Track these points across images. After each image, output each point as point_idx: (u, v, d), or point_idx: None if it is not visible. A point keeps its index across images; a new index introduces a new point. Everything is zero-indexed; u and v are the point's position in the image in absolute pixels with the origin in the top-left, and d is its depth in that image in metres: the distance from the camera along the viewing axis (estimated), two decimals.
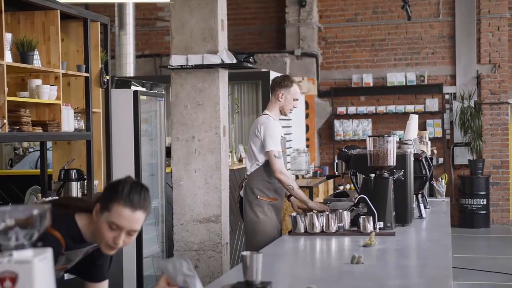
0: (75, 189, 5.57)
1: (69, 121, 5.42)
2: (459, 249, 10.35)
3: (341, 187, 12.46)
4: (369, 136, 4.56)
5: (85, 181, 5.72)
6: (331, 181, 11.42)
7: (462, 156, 12.91)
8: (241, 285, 2.80)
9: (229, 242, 6.13)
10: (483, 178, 12.62)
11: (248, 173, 5.42)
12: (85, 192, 5.74)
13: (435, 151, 10.72)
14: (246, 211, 5.38)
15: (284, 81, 5.42)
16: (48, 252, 1.82)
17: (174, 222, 5.92)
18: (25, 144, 8.46)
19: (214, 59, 5.96)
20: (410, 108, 12.93)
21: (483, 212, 12.59)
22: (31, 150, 8.76)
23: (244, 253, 2.78)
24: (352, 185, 12.18)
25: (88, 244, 2.80)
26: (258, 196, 5.32)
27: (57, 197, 5.00)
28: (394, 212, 4.48)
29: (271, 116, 5.38)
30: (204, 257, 5.94)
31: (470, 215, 12.57)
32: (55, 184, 5.64)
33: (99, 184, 6.01)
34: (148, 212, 2.70)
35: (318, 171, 11.07)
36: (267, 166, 5.28)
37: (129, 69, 10.99)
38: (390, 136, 4.52)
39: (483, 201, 12.55)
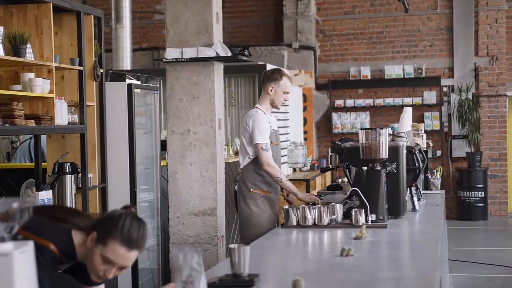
0: (69, 183, 5.56)
1: (62, 115, 5.42)
2: (457, 241, 10.36)
3: (339, 180, 12.48)
4: (362, 129, 4.56)
5: (79, 174, 5.72)
6: (328, 174, 11.43)
7: (460, 149, 12.91)
8: (229, 277, 2.81)
9: (225, 235, 6.13)
10: (481, 170, 12.62)
11: (241, 167, 5.46)
12: (79, 185, 5.74)
13: (431, 144, 10.71)
14: (240, 204, 5.43)
15: (274, 75, 5.45)
16: (29, 245, 1.83)
17: (170, 215, 5.92)
18: (22, 138, 8.45)
19: (209, 52, 5.95)
20: (408, 100, 12.92)
21: (481, 204, 12.60)
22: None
23: (232, 246, 2.79)
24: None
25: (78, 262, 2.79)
26: (251, 189, 5.36)
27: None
28: (386, 205, 4.48)
29: (261, 109, 5.41)
30: (199, 250, 5.95)
31: (468, 208, 12.58)
32: (50, 178, 5.64)
33: (93, 178, 6.01)
34: (143, 250, 2.71)
35: (316, 164, 11.07)
36: (258, 159, 5.30)
37: (126, 63, 10.98)
38: (382, 129, 4.52)
39: (481, 194, 12.56)
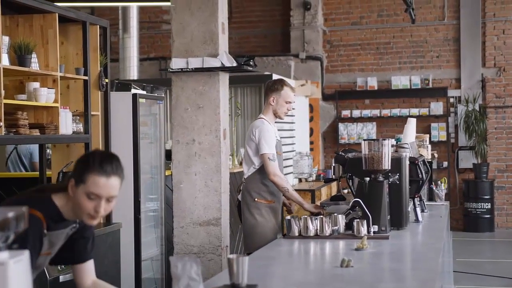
0: None
1: (67, 124, 5.45)
2: (463, 253, 10.33)
3: (345, 191, 12.46)
4: (364, 140, 4.56)
5: None
6: (334, 185, 11.41)
7: (467, 160, 12.88)
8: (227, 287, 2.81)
9: (229, 245, 6.13)
10: (488, 182, 12.59)
11: (245, 177, 5.49)
12: None
13: (436, 155, 10.68)
14: (244, 214, 5.45)
15: (275, 85, 5.50)
16: (24, 255, 1.84)
17: (174, 225, 5.93)
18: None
19: (214, 62, 5.97)
20: (414, 111, 12.91)
21: (488, 216, 12.55)
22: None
23: (230, 256, 2.79)
24: None
25: (68, 223, 2.87)
26: (256, 199, 5.39)
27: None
28: (389, 216, 4.47)
29: (266, 119, 5.45)
30: (204, 260, 5.94)
31: (475, 219, 12.54)
32: None
33: None
34: (123, 178, 2.80)
35: (322, 175, 11.07)
36: (264, 169, 5.33)
37: (133, 72, 11.03)
38: (385, 139, 4.52)
39: (487, 205, 12.52)
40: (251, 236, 5.40)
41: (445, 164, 12.86)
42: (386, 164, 4.49)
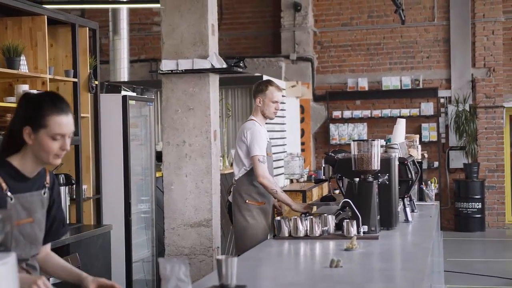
0: (63, 194, 5.57)
1: None
2: (454, 252, 10.36)
3: (337, 191, 12.47)
4: (354, 140, 4.58)
5: (74, 185, 5.73)
6: (325, 185, 11.42)
7: (457, 160, 12.92)
8: None
9: (220, 246, 6.13)
10: (478, 181, 12.63)
11: (235, 178, 5.53)
12: (74, 197, 5.75)
13: (426, 155, 10.71)
14: (235, 216, 5.47)
15: (260, 86, 5.58)
16: (11, 257, 1.84)
17: (165, 226, 5.93)
18: None
19: (204, 64, 5.98)
20: (405, 112, 12.94)
21: (478, 215, 12.59)
22: None
23: (219, 257, 2.80)
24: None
25: (34, 184, 2.83)
26: (247, 201, 5.44)
27: None
28: (378, 216, 4.49)
29: (257, 121, 5.48)
30: (195, 261, 5.95)
31: (465, 219, 12.58)
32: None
33: (87, 189, 6.03)
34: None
35: (313, 175, 11.07)
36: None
37: (123, 74, 11.02)
38: (374, 140, 4.53)
39: (478, 205, 12.56)
40: (242, 238, 5.43)
41: (436, 164, 12.89)
42: (376, 165, 4.50)
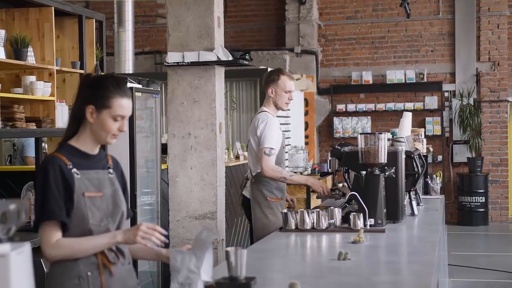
0: None
1: (63, 118, 5.44)
2: (457, 246, 10.37)
3: (340, 185, 12.47)
4: (361, 133, 4.57)
5: None
6: (330, 178, 11.43)
7: (461, 154, 12.92)
8: (225, 280, 2.82)
9: (225, 238, 6.14)
10: (482, 175, 12.63)
11: (253, 174, 5.37)
12: None
13: (431, 149, 10.73)
14: (255, 213, 5.34)
15: (271, 76, 5.41)
16: (26, 246, 1.85)
17: (170, 218, 5.94)
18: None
19: (210, 56, 5.97)
20: (409, 105, 12.94)
21: (482, 209, 12.60)
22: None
23: (228, 249, 2.80)
24: None
25: (96, 161, 2.98)
26: (268, 198, 5.30)
27: None
28: (385, 209, 4.49)
29: (269, 112, 5.37)
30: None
31: (469, 213, 12.58)
32: None
33: None
34: None
35: (317, 168, 11.06)
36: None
37: (128, 66, 11.00)
38: (381, 133, 4.53)
39: (481, 199, 12.56)
40: (263, 235, 5.25)
41: (440, 158, 12.89)
42: (383, 158, 4.50)
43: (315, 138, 13.26)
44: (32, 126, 5.09)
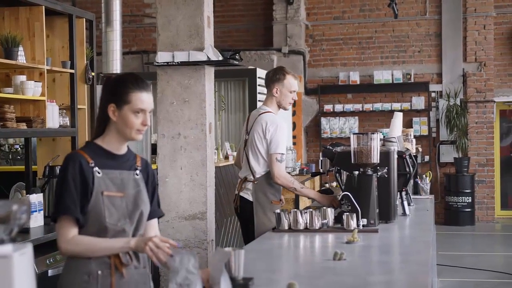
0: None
1: (53, 118, 5.41)
2: (444, 246, 10.41)
3: (327, 185, 12.49)
4: (353, 134, 4.57)
5: None
6: (317, 179, 11.44)
7: (448, 154, 12.97)
8: None
9: (214, 239, 6.13)
10: (469, 176, 12.69)
11: (257, 175, 5.21)
12: None
13: (420, 149, 10.76)
14: (258, 216, 5.19)
15: (276, 75, 5.24)
16: (28, 248, 1.83)
17: (160, 219, 5.91)
18: (11, 141, 8.42)
19: (200, 56, 5.96)
20: (396, 106, 12.98)
21: (468, 209, 12.66)
22: (17, 147, 8.72)
23: (226, 249, 2.79)
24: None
25: (122, 161, 3.00)
26: (272, 201, 5.19)
27: None
28: (377, 209, 4.50)
29: (275, 113, 5.22)
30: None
31: (455, 213, 12.64)
32: (40, 181, 5.62)
33: None
34: None
35: (305, 169, 11.07)
36: None
37: (116, 66, 10.92)
38: (374, 133, 4.53)
39: (468, 199, 12.62)
40: None
41: (427, 158, 12.94)
42: (375, 158, 4.51)
43: (303, 138, 13.28)
44: (23, 126, 5.05)
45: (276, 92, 5.23)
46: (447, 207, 12.78)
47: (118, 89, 2.96)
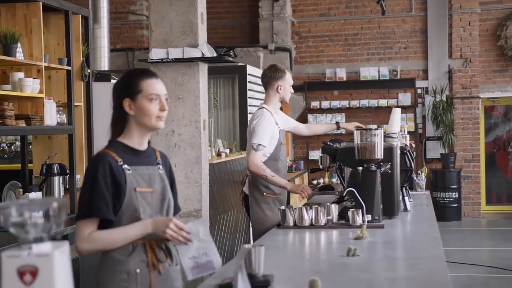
0: (57, 184, 5.50)
1: (51, 115, 5.35)
2: None
3: (315, 181, 12.51)
4: (357, 129, 4.56)
5: (67, 175, 5.65)
6: (305, 175, 11.46)
7: (434, 150, 13.04)
8: None
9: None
10: (455, 171, 12.76)
11: (251, 170, 5.31)
12: (67, 187, 5.67)
13: (413, 144, 10.80)
14: (253, 209, 5.35)
15: (278, 73, 5.42)
16: (66, 246, 1.80)
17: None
18: (10, 138, 8.33)
19: (195, 53, 5.94)
20: (383, 102, 13.01)
21: (455, 205, 12.74)
22: (4, 145, 8.63)
23: (247, 246, 2.77)
24: (328, 179, 12.18)
25: (145, 157, 3.00)
26: (264, 193, 5.32)
27: None
28: (381, 205, 4.50)
29: (268, 109, 5.35)
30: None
31: (442, 208, 12.69)
32: (37, 179, 5.56)
33: (81, 179, 5.94)
34: None
35: (294, 166, 11.09)
36: (270, 161, 5.25)
37: (104, 63, 10.87)
38: (377, 129, 4.53)
39: (454, 195, 12.70)
40: (261, 231, 5.24)
41: (414, 154, 12.97)
42: (379, 154, 4.50)
43: (290, 135, 13.27)
44: (22, 123, 4.99)
45: (280, 89, 5.41)
46: (434, 203, 12.74)
47: (127, 83, 2.96)
